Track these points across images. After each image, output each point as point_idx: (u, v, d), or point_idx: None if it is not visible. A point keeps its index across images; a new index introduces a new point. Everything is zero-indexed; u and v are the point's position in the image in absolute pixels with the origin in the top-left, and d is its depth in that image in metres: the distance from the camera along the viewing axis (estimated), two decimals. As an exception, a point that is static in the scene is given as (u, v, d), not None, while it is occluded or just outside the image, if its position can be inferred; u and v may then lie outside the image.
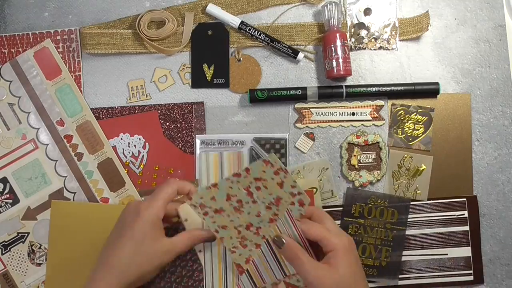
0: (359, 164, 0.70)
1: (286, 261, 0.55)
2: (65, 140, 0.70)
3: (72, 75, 0.71)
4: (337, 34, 0.68)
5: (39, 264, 0.68)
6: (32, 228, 0.69)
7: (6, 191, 0.69)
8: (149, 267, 0.56)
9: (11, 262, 0.68)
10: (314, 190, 0.68)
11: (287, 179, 0.54)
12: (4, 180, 0.69)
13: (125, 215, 0.58)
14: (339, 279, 0.51)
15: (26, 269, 0.68)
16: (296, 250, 0.53)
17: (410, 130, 0.70)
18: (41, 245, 0.68)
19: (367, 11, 0.72)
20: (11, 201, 0.69)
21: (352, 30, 0.72)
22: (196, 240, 0.59)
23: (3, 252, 0.68)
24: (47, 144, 0.70)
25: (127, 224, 0.57)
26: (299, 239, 0.55)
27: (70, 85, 0.70)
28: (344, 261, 0.52)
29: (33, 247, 0.69)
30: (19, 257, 0.68)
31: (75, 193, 0.69)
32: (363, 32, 0.71)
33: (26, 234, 0.69)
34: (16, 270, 0.68)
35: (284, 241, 0.54)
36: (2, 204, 0.69)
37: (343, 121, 0.70)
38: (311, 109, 0.70)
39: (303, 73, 0.72)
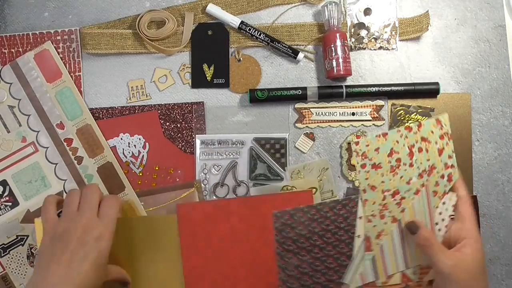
0: (359, 164, 0.70)
1: (418, 248, 0.55)
2: (65, 144, 0.69)
3: (72, 75, 0.70)
4: (337, 34, 0.68)
5: None
6: (32, 231, 0.68)
7: (6, 193, 0.69)
8: None
9: (10, 264, 0.68)
10: (314, 190, 0.68)
11: (448, 147, 0.55)
12: (4, 183, 0.69)
13: (76, 231, 0.55)
14: (470, 270, 0.51)
15: (25, 272, 0.68)
16: (430, 237, 0.53)
17: (410, 130, 0.70)
18: None
19: (367, 11, 0.72)
20: (10, 203, 0.69)
21: (352, 30, 0.72)
22: (121, 280, 0.61)
23: (2, 255, 0.68)
24: (47, 147, 0.69)
25: (93, 245, 0.55)
26: (429, 220, 0.55)
27: (70, 88, 0.70)
28: (475, 253, 0.52)
29: (32, 250, 0.68)
30: (18, 259, 0.68)
31: (74, 196, 0.69)
32: (363, 32, 0.72)
33: (26, 237, 0.68)
34: (15, 272, 0.68)
35: (418, 226, 0.54)
36: (2, 207, 0.69)
37: (343, 121, 0.70)
38: (311, 109, 0.70)
39: (303, 73, 0.72)
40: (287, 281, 0.60)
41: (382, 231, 0.57)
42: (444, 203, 0.56)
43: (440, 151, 0.55)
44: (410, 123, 0.55)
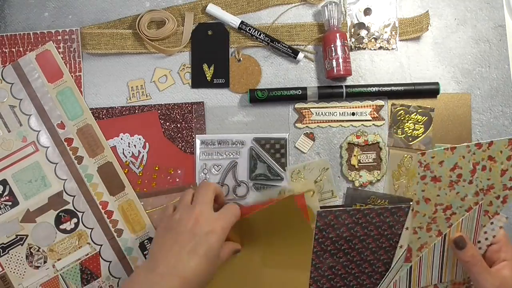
0: (359, 164, 0.70)
1: (461, 263, 0.55)
2: (65, 143, 0.69)
3: (72, 75, 0.70)
4: (337, 34, 0.68)
5: (37, 267, 0.68)
6: (31, 230, 0.68)
7: (6, 193, 0.69)
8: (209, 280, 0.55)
9: (9, 264, 0.68)
10: (312, 192, 0.68)
11: None
12: (4, 182, 0.69)
13: (188, 222, 0.55)
14: None
15: (24, 272, 0.68)
16: (476, 255, 0.53)
17: (410, 130, 0.70)
18: (39, 248, 0.68)
19: (367, 11, 0.72)
20: (10, 203, 0.69)
21: (352, 30, 0.72)
22: (234, 252, 0.60)
23: (1, 254, 0.68)
24: (48, 147, 0.69)
25: (202, 238, 0.54)
26: (474, 238, 0.55)
27: (71, 88, 0.70)
28: None
29: (31, 250, 0.68)
30: (17, 259, 0.68)
31: (74, 196, 0.69)
32: (363, 32, 0.72)
33: (25, 237, 0.68)
34: (14, 272, 0.68)
35: (466, 243, 0.54)
36: (2, 206, 0.69)
37: (343, 121, 0.70)
38: (311, 109, 0.70)
39: (303, 73, 0.72)
40: (319, 280, 0.60)
41: (425, 244, 0.57)
42: (492, 223, 0.56)
43: (503, 172, 0.55)
44: (488, 141, 0.53)
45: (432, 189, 0.56)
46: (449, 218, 0.56)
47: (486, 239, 0.56)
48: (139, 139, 0.70)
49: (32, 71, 0.70)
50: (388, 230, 0.59)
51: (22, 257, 0.68)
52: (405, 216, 0.58)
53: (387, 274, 0.59)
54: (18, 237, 0.68)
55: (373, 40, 0.71)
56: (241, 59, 0.71)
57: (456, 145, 0.55)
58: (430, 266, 0.57)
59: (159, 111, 0.70)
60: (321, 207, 0.68)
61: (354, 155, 0.70)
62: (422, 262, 0.57)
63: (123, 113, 0.70)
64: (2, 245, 0.68)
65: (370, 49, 0.72)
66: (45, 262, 0.68)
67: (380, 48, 0.71)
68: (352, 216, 0.59)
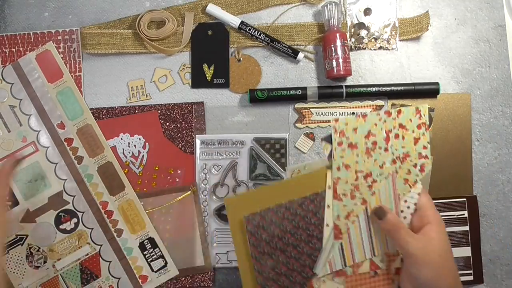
0: (359, 164, 0.70)
1: (385, 233, 0.56)
2: (65, 143, 0.69)
3: (72, 75, 0.70)
4: (337, 34, 0.68)
5: (37, 267, 0.68)
6: (31, 230, 0.68)
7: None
8: None
9: (9, 264, 0.68)
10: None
11: (424, 137, 0.56)
12: None
13: None
14: (439, 251, 0.51)
15: (24, 272, 0.68)
16: (397, 222, 0.54)
17: (410, 130, 0.70)
18: (39, 248, 0.68)
19: (367, 11, 0.72)
20: (10, 203, 0.69)
21: (352, 30, 0.72)
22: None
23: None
24: (48, 147, 0.69)
25: None
26: (395, 207, 0.56)
27: (71, 88, 0.70)
28: (441, 235, 0.52)
29: (31, 250, 0.68)
30: (17, 259, 0.68)
31: (74, 196, 0.69)
32: (363, 32, 0.72)
33: (25, 237, 0.68)
34: (14, 272, 0.68)
35: (385, 212, 0.54)
36: None
37: (343, 121, 0.70)
38: (311, 109, 0.70)
39: (303, 73, 0.72)
40: (265, 284, 0.60)
41: (352, 212, 0.57)
42: (410, 191, 0.57)
43: (416, 140, 0.56)
44: (397, 109, 0.55)
45: (350, 155, 0.57)
46: (371, 186, 0.57)
47: (409, 207, 0.56)
48: (139, 139, 0.70)
49: (32, 71, 0.70)
50: (314, 217, 0.59)
51: (22, 257, 0.68)
52: (325, 197, 0.58)
53: (320, 255, 0.58)
54: (18, 237, 0.68)
55: (373, 40, 0.71)
56: (241, 59, 0.71)
57: (367, 113, 0.56)
58: (360, 241, 0.57)
59: (159, 111, 0.70)
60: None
61: (354, 155, 0.70)
62: (351, 238, 0.57)
63: (123, 113, 0.70)
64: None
65: (370, 49, 0.72)
66: (45, 262, 0.68)
67: (380, 48, 0.71)
68: (277, 213, 0.59)
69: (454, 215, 0.70)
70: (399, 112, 0.56)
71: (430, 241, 0.52)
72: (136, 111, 0.70)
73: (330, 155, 0.56)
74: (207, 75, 0.71)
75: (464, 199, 0.70)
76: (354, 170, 0.57)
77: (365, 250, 0.58)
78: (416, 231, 0.54)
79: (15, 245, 0.68)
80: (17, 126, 0.70)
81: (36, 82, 0.70)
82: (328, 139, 0.56)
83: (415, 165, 0.56)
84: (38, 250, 0.68)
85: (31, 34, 0.71)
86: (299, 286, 0.59)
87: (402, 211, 0.56)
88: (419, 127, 0.56)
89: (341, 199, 0.57)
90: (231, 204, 0.58)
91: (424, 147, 0.56)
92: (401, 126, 0.56)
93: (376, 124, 0.56)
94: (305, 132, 0.70)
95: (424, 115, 0.56)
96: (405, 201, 0.57)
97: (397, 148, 0.56)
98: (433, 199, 0.69)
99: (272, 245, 0.59)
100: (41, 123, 0.70)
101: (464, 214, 0.70)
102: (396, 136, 0.56)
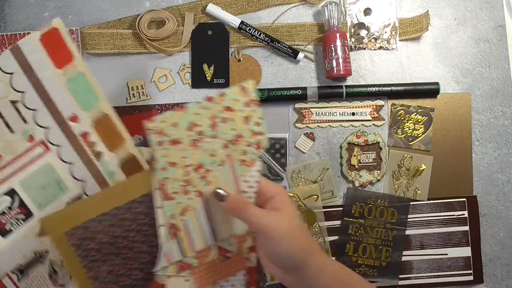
0: (359, 164, 0.70)
1: (231, 214, 0.54)
2: (80, 139, 0.58)
3: (72, 75, 0.69)
4: (337, 34, 0.68)
5: (63, 285, 0.59)
6: (52, 244, 0.57)
7: (16, 205, 0.57)
8: None
9: None
10: (316, 197, 0.68)
11: (255, 114, 0.53)
12: (12, 192, 0.57)
13: None
14: (290, 221, 0.51)
15: None
16: (242, 200, 0.52)
17: (410, 130, 0.70)
18: (63, 263, 0.58)
19: (367, 11, 0.72)
20: (23, 216, 0.57)
21: (352, 30, 0.72)
22: None
23: (20, 278, 0.58)
24: (60, 145, 0.58)
25: None
26: (236, 189, 0.54)
27: (84, 73, 0.56)
28: (289, 204, 0.52)
29: (54, 267, 0.58)
30: (39, 280, 0.58)
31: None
32: (363, 32, 0.72)
33: (45, 253, 0.58)
34: None
35: (226, 193, 0.52)
36: (13, 222, 0.57)
37: (343, 121, 0.70)
38: (311, 109, 0.70)
39: (303, 73, 0.72)
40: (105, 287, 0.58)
41: (188, 207, 0.55)
42: (251, 171, 0.55)
43: (246, 119, 0.54)
44: (219, 93, 0.53)
45: (174, 152, 0.54)
46: (204, 176, 0.55)
47: (251, 187, 0.55)
48: (139, 139, 0.70)
49: (37, 56, 0.55)
50: (146, 218, 0.57)
51: (44, 277, 0.58)
52: (155, 197, 0.56)
53: (158, 256, 0.57)
54: (37, 254, 0.58)
55: (373, 40, 0.71)
56: (241, 59, 0.71)
57: (187, 104, 0.54)
58: (200, 230, 0.56)
59: (159, 111, 0.70)
60: (323, 207, 0.68)
61: (354, 155, 0.70)
62: (189, 228, 0.56)
63: (123, 113, 0.70)
64: (20, 267, 0.57)
65: (370, 49, 0.72)
66: (71, 278, 0.59)
67: (380, 48, 0.71)
68: (102, 222, 0.56)
69: (454, 215, 0.70)
70: (222, 95, 0.53)
71: (280, 211, 0.51)
72: (136, 111, 0.70)
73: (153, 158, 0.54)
74: (207, 75, 0.71)
75: (464, 199, 0.70)
76: (182, 166, 0.54)
77: (206, 238, 0.56)
78: (262, 207, 0.53)
79: (34, 265, 0.58)
80: (21, 124, 0.57)
81: (42, 69, 0.55)
82: (147, 144, 0.54)
83: (249, 144, 0.54)
84: (62, 266, 0.59)
85: (31, 34, 0.70)
86: (144, 282, 0.58)
87: (245, 192, 0.55)
88: (247, 105, 0.53)
89: (173, 198, 0.55)
90: (48, 222, 0.55)
91: (257, 124, 0.54)
92: (228, 108, 0.53)
93: (198, 114, 0.53)
94: (305, 132, 0.70)
95: (251, 92, 0.53)
96: (246, 180, 0.55)
97: (227, 132, 0.54)
98: (433, 199, 0.70)
99: (104, 251, 0.57)
100: (50, 118, 0.57)
101: (464, 214, 0.70)
102: (224, 120, 0.54)
